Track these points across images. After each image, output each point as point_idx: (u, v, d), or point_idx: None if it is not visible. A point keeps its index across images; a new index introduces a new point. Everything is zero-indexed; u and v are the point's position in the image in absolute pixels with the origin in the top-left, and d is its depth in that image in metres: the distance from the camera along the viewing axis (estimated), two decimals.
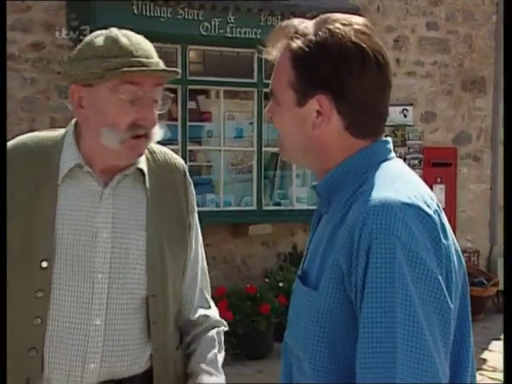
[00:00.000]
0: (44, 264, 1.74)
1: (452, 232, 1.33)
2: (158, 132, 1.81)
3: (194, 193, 1.96)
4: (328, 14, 1.37)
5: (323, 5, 7.38)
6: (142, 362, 1.82)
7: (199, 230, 1.97)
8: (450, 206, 8.60)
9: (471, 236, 8.83)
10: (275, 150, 7.74)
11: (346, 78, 1.31)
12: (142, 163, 1.85)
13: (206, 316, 1.95)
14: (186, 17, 7.10)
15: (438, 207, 1.31)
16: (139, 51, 1.74)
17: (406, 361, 1.18)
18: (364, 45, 1.32)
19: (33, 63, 6.91)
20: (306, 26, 1.36)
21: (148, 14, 6.89)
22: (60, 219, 1.77)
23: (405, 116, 8.41)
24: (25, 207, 1.77)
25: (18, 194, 1.78)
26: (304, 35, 1.34)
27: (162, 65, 1.78)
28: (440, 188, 8.67)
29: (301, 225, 7.86)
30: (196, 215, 1.96)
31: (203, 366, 1.86)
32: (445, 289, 1.24)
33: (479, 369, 6.13)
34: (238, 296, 6.79)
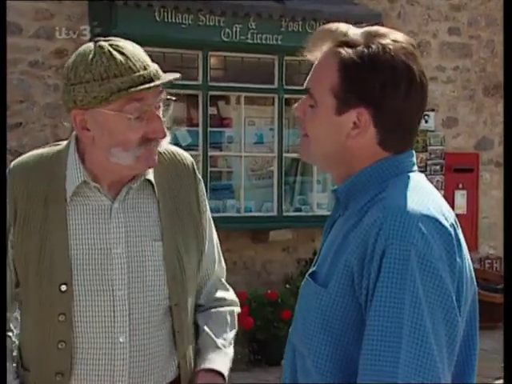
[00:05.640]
0: (63, 288, 1.72)
1: (467, 248, 1.33)
2: (167, 138, 1.76)
3: (203, 189, 1.92)
4: (376, 27, 1.37)
5: (345, 11, 7.37)
6: (169, 374, 1.81)
7: (212, 225, 1.93)
8: (472, 212, 8.53)
9: (493, 242, 8.74)
10: (295, 155, 7.73)
11: (391, 96, 1.32)
12: (150, 172, 1.80)
13: (224, 298, 1.93)
14: (208, 23, 7.12)
15: (455, 222, 1.32)
16: (136, 64, 1.67)
17: (408, 367, 1.18)
18: (413, 66, 1.33)
19: (56, 70, 6.97)
20: (356, 34, 1.35)
21: (170, 20, 6.92)
22: (73, 239, 1.74)
23: (426, 121, 8.36)
24: (38, 228, 1.75)
25: (30, 216, 1.75)
26: (355, 45, 1.33)
27: (159, 72, 1.71)
28: (462, 194, 8.60)
29: (321, 231, 7.79)
30: (208, 211, 1.92)
31: (211, 351, 1.83)
32: (455, 301, 1.24)
33: (500, 377, 6.06)
34: (258, 302, 6.77)
